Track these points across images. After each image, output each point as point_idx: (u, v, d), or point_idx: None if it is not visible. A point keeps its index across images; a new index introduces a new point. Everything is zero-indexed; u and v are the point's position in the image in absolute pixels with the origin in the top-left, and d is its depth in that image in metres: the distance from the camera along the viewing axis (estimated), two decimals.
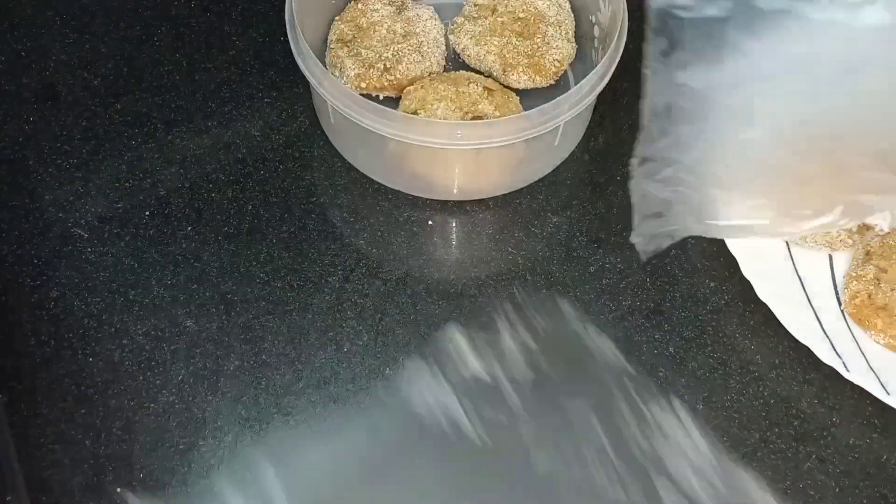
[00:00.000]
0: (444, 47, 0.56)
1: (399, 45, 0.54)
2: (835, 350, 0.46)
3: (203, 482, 0.44)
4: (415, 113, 0.51)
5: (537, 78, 0.54)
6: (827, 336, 0.47)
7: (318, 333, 0.48)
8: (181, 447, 0.45)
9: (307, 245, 0.51)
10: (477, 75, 0.54)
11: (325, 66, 0.53)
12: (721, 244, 0.49)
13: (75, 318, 0.49)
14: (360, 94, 0.49)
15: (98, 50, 0.59)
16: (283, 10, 0.50)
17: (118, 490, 0.44)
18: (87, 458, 0.45)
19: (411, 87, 0.53)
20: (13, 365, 0.47)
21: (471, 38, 0.55)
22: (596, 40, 0.56)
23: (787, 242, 0.51)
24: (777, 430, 0.45)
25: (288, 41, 0.51)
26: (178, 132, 0.55)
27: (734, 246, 0.49)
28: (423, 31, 0.55)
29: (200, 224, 0.52)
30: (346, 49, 0.54)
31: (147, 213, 0.52)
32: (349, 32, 0.55)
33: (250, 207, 0.53)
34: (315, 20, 0.56)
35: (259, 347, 0.48)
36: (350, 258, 0.51)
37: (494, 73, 0.55)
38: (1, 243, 0.51)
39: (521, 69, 0.54)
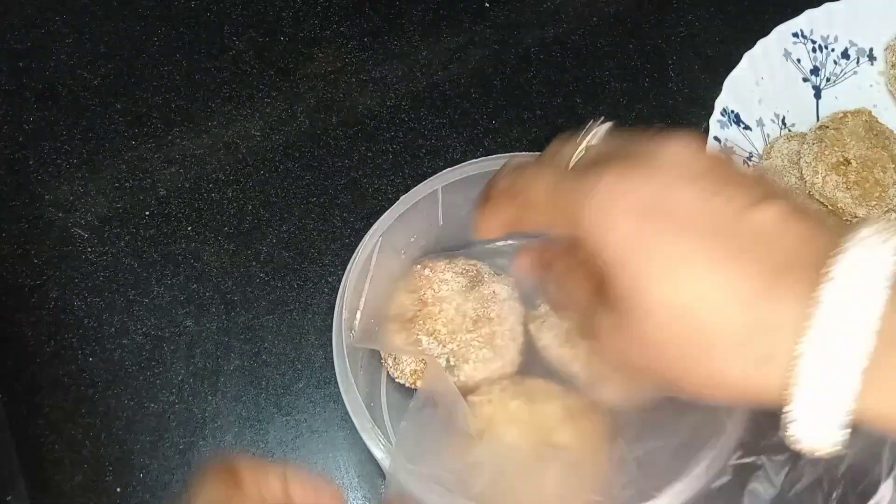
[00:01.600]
0: (521, 339, 0.45)
1: (468, 335, 0.43)
2: None
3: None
4: (480, 434, 0.41)
5: (630, 396, 0.42)
6: None
7: (317, 333, 0.48)
8: (181, 447, 0.45)
9: (307, 245, 0.51)
10: (557, 387, 0.43)
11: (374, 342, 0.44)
12: None
13: (75, 318, 0.49)
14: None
15: (98, 50, 0.59)
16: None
17: (118, 490, 0.44)
18: (87, 458, 0.45)
19: (477, 398, 0.42)
20: (13, 365, 0.47)
21: (554, 336, 0.44)
22: None
23: None
24: None
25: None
26: (178, 132, 0.55)
27: None
28: (498, 316, 0.44)
29: (200, 224, 0.52)
30: (404, 334, 0.44)
31: (147, 213, 0.52)
32: (411, 308, 0.44)
33: (250, 207, 0.53)
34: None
35: (259, 347, 0.48)
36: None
37: (578, 386, 0.43)
38: (1, 243, 0.51)
39: (610, 384, 0.42)
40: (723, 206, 0.27)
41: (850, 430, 0.26)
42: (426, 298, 0.44)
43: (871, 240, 0.25)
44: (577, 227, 0.28)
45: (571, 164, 0.31)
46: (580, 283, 0.31)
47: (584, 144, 0.32)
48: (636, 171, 0.28)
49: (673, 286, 0.26)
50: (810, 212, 0.28)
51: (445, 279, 0.45)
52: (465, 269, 0.46)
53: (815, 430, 0.26)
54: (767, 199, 0.27)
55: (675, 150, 0.29)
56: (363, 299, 0.43)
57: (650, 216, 0.27)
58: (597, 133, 0.32)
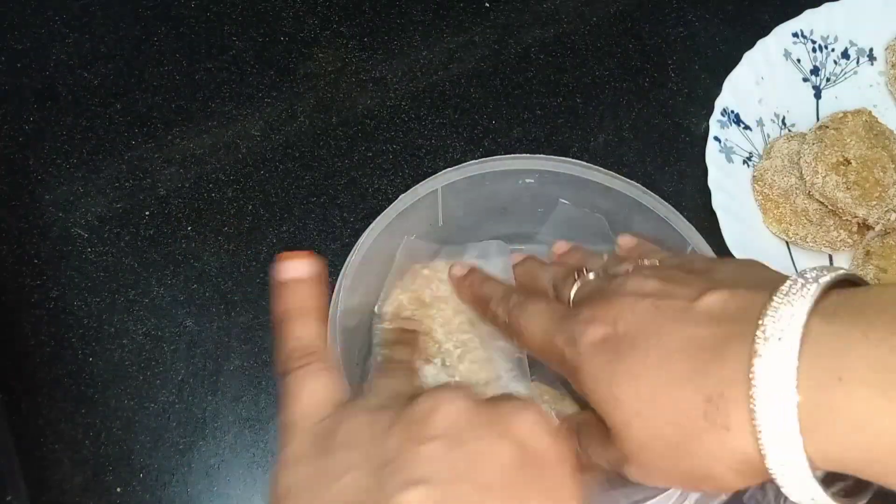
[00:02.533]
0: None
1: (464, 336, 0.43)
2: None
3: (203, 482, 0.44)
4: None
5: None
6: None
7: None
8: (181, 447, 0.45)
9: (307, 245, 0.51)
10: (551, 391, 0.44)
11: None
12: (722, 245, 0.49)
13: (75, 318, 0.49)
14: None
15: (98, 50, 0.59)
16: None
17: (118, 490, 0.44)
18: (87, 458, 0.45)
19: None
20: (13, 365, 0.47)
21: None
22: None
23: (787, 243, 0.50)
24: None
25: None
26: (178, 132, 0.55)
27: (735, 249, 0.49)
28: None
29: (200, 224, 0.52)
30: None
31: (147, 213, 0.52)
32: (409, 307, 0.44)
33: (250, 207, 0.53)
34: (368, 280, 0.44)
35: (259, 347, 0.48)
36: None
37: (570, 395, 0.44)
38: (1, 243, 0.51)
39: None
40: (670, 308, 0.30)
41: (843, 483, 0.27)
42: (424, 298, 0.44)
43: (790, 295, 0.27)
44: (565, 368, 0.32)
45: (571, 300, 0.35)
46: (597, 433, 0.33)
47: (578, 283, 0.36)
48: (604, 305, 0.32)
49: (631, 396, 0.29)
50: (745, 285, 0.29)
51: (444, 279, 0.45)
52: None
53: (794, 485, 0.26)
54: (710, 289, 0.29)
55: (632, 280, 0.32)
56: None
57: (611, 342, 0.30)
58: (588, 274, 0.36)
